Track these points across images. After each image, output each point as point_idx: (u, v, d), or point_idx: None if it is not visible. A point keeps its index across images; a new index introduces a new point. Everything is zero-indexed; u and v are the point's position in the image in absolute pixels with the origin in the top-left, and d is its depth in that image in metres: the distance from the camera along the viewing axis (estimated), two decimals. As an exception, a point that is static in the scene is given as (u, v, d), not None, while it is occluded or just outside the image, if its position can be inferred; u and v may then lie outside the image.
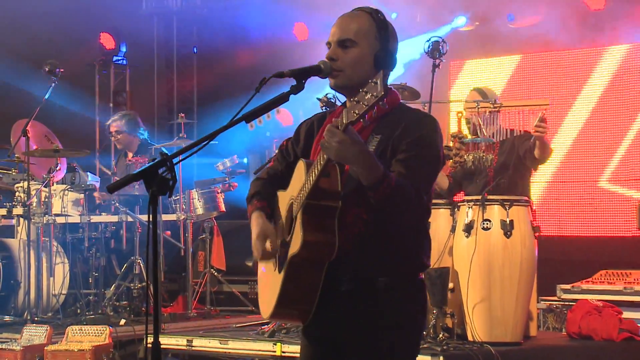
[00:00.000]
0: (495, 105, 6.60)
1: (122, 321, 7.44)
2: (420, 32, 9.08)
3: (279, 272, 3.16)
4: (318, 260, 3.04)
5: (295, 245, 3.03)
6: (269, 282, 3.28)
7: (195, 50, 12.08)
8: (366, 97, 2.78)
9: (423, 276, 3.25)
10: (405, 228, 3.14)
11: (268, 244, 3.21)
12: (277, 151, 3.56)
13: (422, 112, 3.30)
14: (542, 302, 7.25)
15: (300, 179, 3.12)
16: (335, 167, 3.02)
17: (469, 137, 6.63)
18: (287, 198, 3.22)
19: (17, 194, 8.18)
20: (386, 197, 2.97)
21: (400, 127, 3.12)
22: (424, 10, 9.90)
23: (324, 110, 6.39)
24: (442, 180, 6.70)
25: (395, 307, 3.14)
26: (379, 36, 3.19)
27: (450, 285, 6.23)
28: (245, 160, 10.89)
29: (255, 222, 3.28)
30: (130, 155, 8.91)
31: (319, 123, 3.39)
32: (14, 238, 8.31)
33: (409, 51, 8.25)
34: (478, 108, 6.60)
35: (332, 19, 3.29)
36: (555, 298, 7.36)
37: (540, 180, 8.70)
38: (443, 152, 3.21)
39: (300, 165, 3.16)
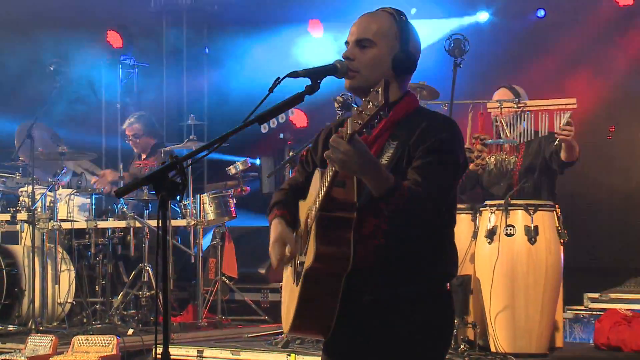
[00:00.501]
0: (519, 105, 6.60)
1: (130, 331, 7.46)
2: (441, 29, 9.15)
3: (296, 285, 3.17)
4: (334, 273, 3.04)
5: (309, 258, 3.04)
6: (288, 295, 3.30)
7: (207, 51, 12.09)
8: (368, 107, 2.79)
9: (449, 285, 3.25)
10: (427, 237, 3.13)
11: (287, 249, 3.22)
12: (299, 162, 3.57)
13: (440, 115, 3.27)
14: (568, 311, 7.23)
15: (315, 188, 3.13)
16: (351, 177, 3.02)
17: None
18: (306, 208, 3.24)
19: (21, 198, 8.22)
20: (400, 208, 2.96)
21: (416, 132, 3.11)
22: (444, 5, 9.90)
23: (340, 111, 6.42)
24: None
25: (420, 319, 3.14)
26: (399, 38, 3.20)
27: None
28: (257, 161, 10.90)
29: (274, 228, 3.30)
30: (144, 157, 8.95)
31: (337, 130, 3.38)
32: (18, 244, 8.35)
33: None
34: (501, 108, 6.60)
35: (349, 16, 3.30)
36: (582, 307, 7.34)
37: (565, 183, 8.67)
38: (464, 157, 3.18)
39: (316, 175, 3.18)
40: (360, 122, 2.80)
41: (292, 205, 3.38)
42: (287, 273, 3.39)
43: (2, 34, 10.38)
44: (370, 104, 2.78)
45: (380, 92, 2.76)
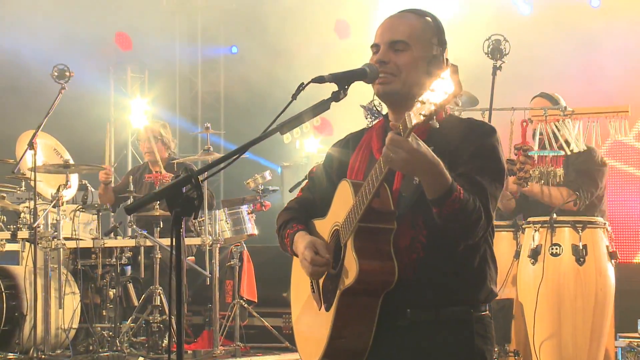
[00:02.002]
0: (565, 113, 6.59)
1: (140, 359, 7.48)
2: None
3: (327, 309, 3.17)
4: (374, 291, 3.05)
5: (349, 277, 3.04)
6: (312, 324, 3.29)
7: (234, 51, 12.10)
8: (434, 95, 2.73)
9: (488, 308, 3.26)
10: (469, 251, 3.14)
11: (322, 253, 3.19)
12: (306, 180, 3.57)
13: (477, 120, 3.31)
14: (620, 339, 7.19)
15: (345, 202, 3.13)
16: (384, 185, 3.02)
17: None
18: (329, 226, 3.24)
19: (22, 215, 8.26)
20: (454, 213, 2.95)
21: (456, 138, 3.13)
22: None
23: (368, 119, 6.43)
24: (508, 202, 6.70)
25: (461, 344, 3.15)
26: (435, 41, 3.24)
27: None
28: (279, 169, 10.91)
29: (301, 239, 3.29)
30: (153, 170, 8.98)
31: (354, 142, 3.40)
32: (18, 265, 8.39)
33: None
34: (546, 116, 6.59)
35: (377, 16, 3.31)
36: (636, 334, 7.29)
37: (617, 199, 8.64)
38: (504, 165, 3.21)
39: (345, 187, 3.17)
40: (424, 114, 2.74)
41: (307, 223, 3.39)
42: (303, 300, 3.39)
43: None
44: (437, 91, 2.72)
45: (448, 78, 2.71)
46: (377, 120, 3.44)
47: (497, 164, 3.15)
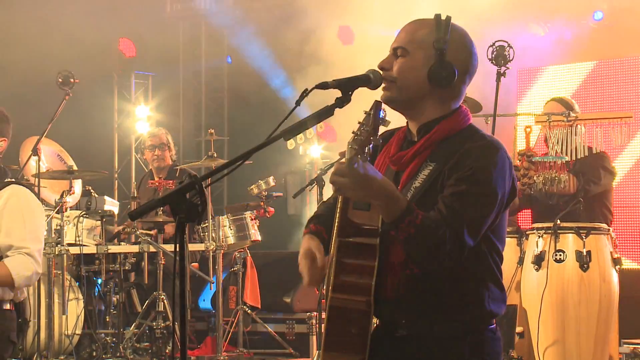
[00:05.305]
0: (569, 119, 6.58)
1: (144, 365, 7.49)
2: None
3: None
4: (358, 303, 3.04)
5: (330, 289, 3.05)
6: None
7: (229, 61, 12.14)
8: (361, 130, 2.80)
9: (495, 324, 3.22)
10: (465, 272, 3.11)
11: (319, 261, 3.18)
12: None
13: (485, 140, 3.15)
14: (625, 345, 7.18)
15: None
16: None
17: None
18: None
19: (26, 221, 8.25)
20: (409, 237, 2.93)
21: (454, 157, 3.07)
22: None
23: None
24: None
25: (461, 357, 3.12)
26: (436, 45, 3.12)
27: (519, 329, 6.20)
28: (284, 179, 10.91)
29: (303, 243, 3.29)
30: (156, 177, 8.98)
31: (384, 141, 3.32)
32: (22, 271, 8.38)
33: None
34: (550, 121, 6.58)
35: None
36: (640, 341, 7.29)
37: (621, 205, 8.62)
38: (509, 186, 3.10)
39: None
40: (356, 147, 2.82)
41: (329, 221, 3.35)
42: None
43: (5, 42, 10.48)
44: (363, 127, 2.79)
45: (371, 114, 2.76)
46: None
47: (486, 188, 3.04)
